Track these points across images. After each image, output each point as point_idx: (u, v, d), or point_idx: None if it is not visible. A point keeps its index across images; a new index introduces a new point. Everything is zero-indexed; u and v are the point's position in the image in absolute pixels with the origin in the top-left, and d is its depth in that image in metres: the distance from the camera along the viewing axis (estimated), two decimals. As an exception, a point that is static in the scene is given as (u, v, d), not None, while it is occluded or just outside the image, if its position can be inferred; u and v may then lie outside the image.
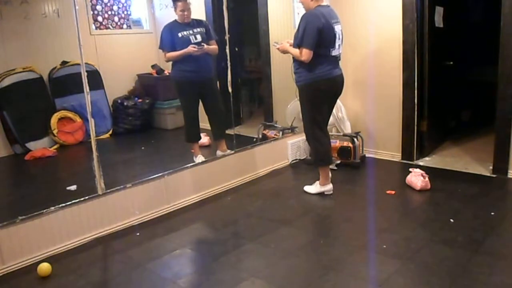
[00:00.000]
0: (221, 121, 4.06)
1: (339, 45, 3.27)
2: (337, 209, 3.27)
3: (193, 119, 3.94)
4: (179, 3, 3.67)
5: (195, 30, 3.76)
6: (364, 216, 3.13)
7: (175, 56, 3.73)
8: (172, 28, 3.74)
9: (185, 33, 3.71)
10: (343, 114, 4.35)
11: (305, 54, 3.11)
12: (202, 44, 3.73)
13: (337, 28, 3.22)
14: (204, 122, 4.10)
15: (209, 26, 3.92)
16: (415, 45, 3.90)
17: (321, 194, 3.47)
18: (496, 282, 2.20)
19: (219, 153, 3.95)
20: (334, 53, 3.22)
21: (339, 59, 3.34)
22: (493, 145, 3.67)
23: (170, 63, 3.85)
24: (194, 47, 3.65)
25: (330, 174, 3.49)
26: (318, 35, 3.07)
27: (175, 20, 3.77)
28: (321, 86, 3.22)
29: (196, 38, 3.75)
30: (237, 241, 2.81)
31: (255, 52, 5.64)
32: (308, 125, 3.37)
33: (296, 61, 3.29)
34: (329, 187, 3.46)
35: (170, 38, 3.73)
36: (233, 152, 3.88)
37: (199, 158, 3.81)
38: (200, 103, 3.96)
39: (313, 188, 3.51)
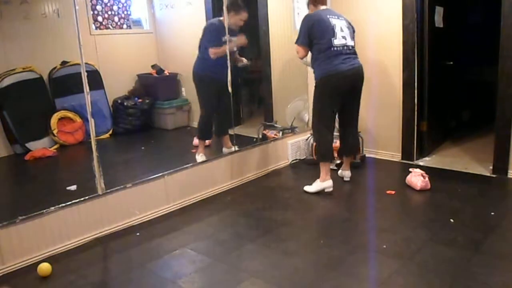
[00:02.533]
0: (229, 119, 4.11)
1: (343, 37, 3.30)
2: (337, 209, 3.27)
3: (211, 116, 4.05)
4: (244, 14, 3.82)
5: (233, 38, 3.87)
6: (364, 216, 3.13)
7: (220, 51, 3.78)
8: (219, 29, 3.79)
9: (226, 38, 3.77)
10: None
11: (297, 50, 3.41)
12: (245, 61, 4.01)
13: (336, 21, 3.32)
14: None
15: None
16: (415, 45, 3.90)
17: (320, 193, 3.46)
18: (496, 282, 2.19)
19: (225, 150, 3.98)
20: (336, 43, 3.26)
21: (350, 52, 3.34)
22: (493, 145, 3.67)
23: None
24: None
25: (349, 168, 3.61)
26: (307, 31, 3.31)
27: (221, 21, 3.80)
28: (329, 81, 3.30)
29: (234, 48, 3.93)
30: (237, 241, 2.81)
31: (255, 52, 5.64)
32: (314, 120, 3.50)
33: (311, 59, 3.42)
34: (329, 183, 3.44)
35: (217, 37, 3.79)
36: (233, 152, 3.89)
37: (202, 157, 3.85)
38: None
39: (313, 187, 3.51)
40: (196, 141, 4.50)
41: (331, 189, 3.44)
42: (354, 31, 3.46)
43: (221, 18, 3.80)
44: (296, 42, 3.40)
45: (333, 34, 3.27)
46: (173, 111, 5.44)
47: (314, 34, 3.29)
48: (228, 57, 3.87)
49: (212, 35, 3.83)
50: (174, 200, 3.37)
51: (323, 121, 3.41)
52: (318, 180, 3.49)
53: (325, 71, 3.29)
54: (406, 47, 3.94)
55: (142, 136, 5.23)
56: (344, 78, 3.29)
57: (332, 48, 3.26)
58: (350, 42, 3.36)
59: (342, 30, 3.31)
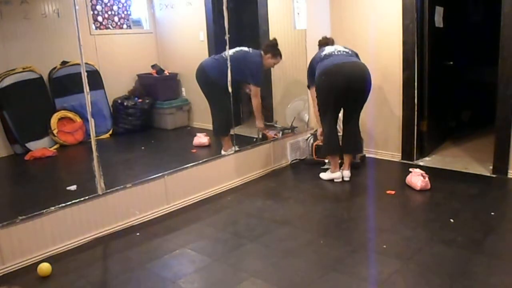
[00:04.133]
0: (229, 119, 4.12)
1: (333, 47, 3.65)
2: (337, 209, 3.27)
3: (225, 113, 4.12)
4: (279, 59, 4.09)
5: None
6: (364, 216, 3.13)
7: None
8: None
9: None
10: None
11: (311, 95, 3.89)
12: None
13: (329, 47, 3.69)
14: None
15: None
16: (415, 45, 3.90)
17: (320, 194, 3.52)
18: (496, 282, 2.20)
19: (224, 152, 3.99)
20: (324, 53, 3.59)
21: (343, 54, 3.58)
22: (493, 145, 3.67)
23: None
24: None
25: (349, 168, 3.72)
26: (310, 72, 3.74)
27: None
28: (324, 79, 3.51)
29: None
30: (237, 241, 2.81)
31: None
32: (320, 118, 3.77)
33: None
34: (337, 175, 3.70)
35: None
36: (233, 152, 3.89)
37: (232, 150, 3.91)
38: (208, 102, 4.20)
39: (325, 175, 3.79)
40: (196, 140, 4.51)
41: (340, 179, 3.70)
42: (356, 54, 3.71)
43: (265, 62, 4.06)
44: (309, 86, 3.87)
45: (322, 51, 3.66)
46: (173, 111, 5.44)
47: (314, 67, 3.65)
48: (228, 57, 3.88)
49: (262, 74, 4.05)
50: (174, 200, 3.37)
51: (324, 118, 3.64)
52: (329, 171, 3.78)
53: (319, 71, 3.52)
54: (406, 47, 3.94)
55: (142, 136, 5.23)
56: (335, 72, 3.48)
57: (322, 58, 3.57)
58: (342, 49, 3.62)
59: (332, 48, 3.66)
